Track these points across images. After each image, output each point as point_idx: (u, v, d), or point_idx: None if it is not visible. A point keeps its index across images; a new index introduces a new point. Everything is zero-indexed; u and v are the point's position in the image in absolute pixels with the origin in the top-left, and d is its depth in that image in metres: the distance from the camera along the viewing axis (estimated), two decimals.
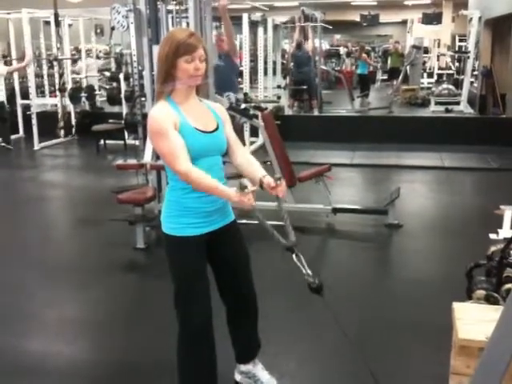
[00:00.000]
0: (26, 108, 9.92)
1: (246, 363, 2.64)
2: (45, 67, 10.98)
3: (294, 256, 2.22)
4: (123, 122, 8.07)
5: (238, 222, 2.53)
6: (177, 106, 2.24)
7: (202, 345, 2.39)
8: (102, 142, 9.32)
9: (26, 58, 9.35)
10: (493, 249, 3.52)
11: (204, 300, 2.35)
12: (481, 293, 3.06)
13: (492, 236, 4.45)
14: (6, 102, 9.29)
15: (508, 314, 1.51)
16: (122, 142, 9.21)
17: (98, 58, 13.52)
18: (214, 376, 2.45)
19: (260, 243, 4.42)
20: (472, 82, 11.94)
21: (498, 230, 4.60)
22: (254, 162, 2.41)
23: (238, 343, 2.63)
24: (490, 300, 2.96)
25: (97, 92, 11.27)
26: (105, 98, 11.33)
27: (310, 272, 2.18)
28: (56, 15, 9.08)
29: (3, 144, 9.27)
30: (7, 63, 10.36)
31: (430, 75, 18.06)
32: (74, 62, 11.61)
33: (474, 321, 2.36)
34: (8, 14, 10.07)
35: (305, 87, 11.43)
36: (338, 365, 3.02)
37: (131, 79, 7.73)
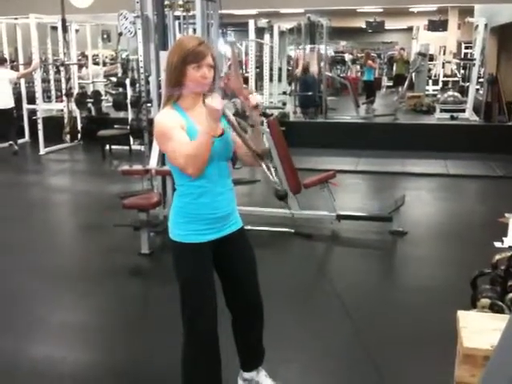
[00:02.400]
0: (32, 113, 9.97)
1: (250, 371, 2.64)
2: (51, 72, 11.02)
3: (263, 165, 2.25)
4: (129, 127, 8.09)
5: (245, 227, 2.53)
6: (184, 112, 2.25)
7: (207, 352, 2.39)
8: (107, 147, 9.34)
9: (33, 63, 9.41)
10: (497, 257, 3.52)
11: (210, 307, 2.35)
12: (485, 301, 3.06)
13: (497, 244, 4.45)
14: (13, 107, 9.34)
15: None
16: (127, 147, 9.23)
17: (104, 63, 13.57)
18: (218, 383, 2.45)
19: (266, 250, 4.44)
20: (477, 90, 11.92)
21: (503, 238, 4.60)
22: None
23: (243, 351, 2.62)
24: (494, 309, 2.95)
25: (103, 97, 11.31)
26: (111, 104, 11.37)
27: (277, 180, 2.25)
28: (64, 21, 9.13)
29: (11, 143, 9.32)
30: (13, 68, 10.41)
31: (436, 82, 18.06)
32: (81, 67, 11.66)
33: (478, 329, 2.36)
34: (16, 19, 10.13)
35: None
36: (342, 373, 3.01)
37: (137, 85, 7.76)
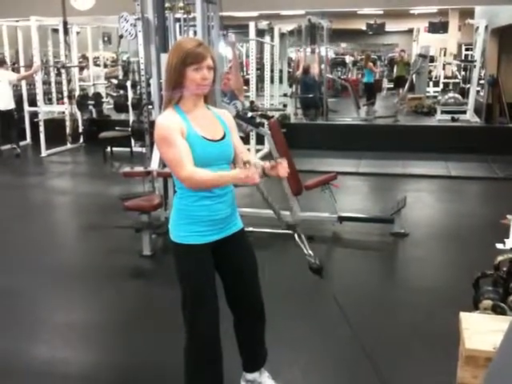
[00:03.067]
0: (34, 115, 9.98)
1: (252, 372, 2.64)
2: (52, 74, 11.04)
3: (295, 235, 2.24)
4: (130, 129, 8.10)
5: (246, 229, 2.53)
6: (184, 115, 2.25)
7: (210, 352, 2.39)
8: (108, 149, 9.35)
9: (34, 66, 9.42)
10: (499, 258, 3.51)
11: (211, 308, 2.35)
12: (488, 303, 3.05)
13: (498, 246, 4.44)
14: (14, 109, 9.34)
15: None
16: (128, 149, 9.25)
17: (105, 65, 13.59)
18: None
19: (267, 251, 4.43)
20: (478, 91, 11.92)
21: (505, 240, 4.59)
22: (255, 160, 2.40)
23: (245, 352, 2.63)
24: (497, 310, 2.95)
25: (104, 99, 11.32)
26: (112, 106, 11.38)
27: (311, 252, 2.21)
28: (65, 23, 9.15)
29: (14, 146, 9.33)
30: (14, 70, 10.42)
31: (436, 84, 18.06)
32: (82, 69, 11.67)
33: (480, 331, 2.36)
34: (17, 21, 10.15)
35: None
36: (344, 374, 3.01)
37: (138, 87, 7.76)
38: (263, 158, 8.39)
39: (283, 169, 2.24)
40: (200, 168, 2.18)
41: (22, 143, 10.07)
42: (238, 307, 2.53)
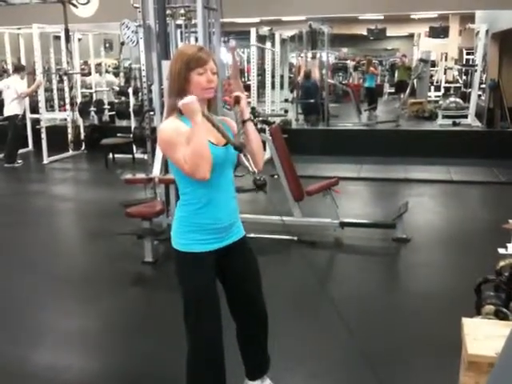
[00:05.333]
0: (36, 122, 10.00)
1: (255, 380, 2.63)
2: (54, 81, 11.07)
3: (242, 156, 2.29)
4: (132, 136, 8.12)
5: (248, 236, 2.53)
6: (189, 122, 2.25)
7: (212, 360, 2.38)
8: (110, 155, 9.37)
9: (36, 81, 9.44)
10: (502, 263, 3.51)
11: (214, 315, 2.35)
12: (490, 308, 3.05)
13: (501, 250, 4.43)
14: (16, 115, 9.26)
15: None
16: (130, 156, 9.26)
17: (107, 72, 13.63)
18: None
19: (270, 258, 4.43)
20: (479, 96, 11.92)
21: (507, 245, 4.58)
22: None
23: (247, 360, 2.62)
24: (499, 315, 2.94)
25: (106, 106, 11.36)
26: (114, 112, 11.41)
27: (255, 170, 2.28)
28: (66, 30, 9.18)
29: (6, 165, 9.15)
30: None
31: (438, 88, 18.07)
32: (84, 76, 11.70)
33: (483, 336, 2.35)
34: (19, 29, 10.19)
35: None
36: (346, 380, 3.01)
37: (140, 93, 7.79)
38: (265, 164, 8.41)
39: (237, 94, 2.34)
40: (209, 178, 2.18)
41: (24, 150, 10.10)
42: (240, 315, 2.53)
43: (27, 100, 10.14)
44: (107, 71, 12.91)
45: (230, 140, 2.24)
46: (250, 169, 2.24)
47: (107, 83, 11.78)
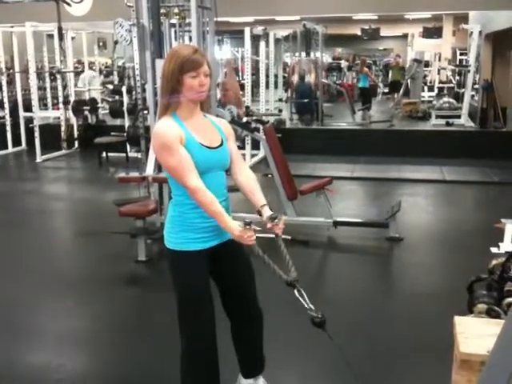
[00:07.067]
0: (29, 121, 9.96)
1: (248, 378, 2.63)
2: (47, 80, 11.04)
3: (295, 291, 2.24)
4: (125, 134, 8.11)
5: None
6: (182, 122, 2.24)
7: (207, 356, 2.39)
8: (104, 154, 9.34)
9: None
10: (494, 262, 3.54)
11: (208, 314, 2.35)
12: (482, 307, 3.07)
13: (493, 250, 4.46)
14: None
15: (509, 327, 1.52)
16: (124, 154, 9.24)
17: (100, 71, 13.60)
18: None
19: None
20: (473, 96, 11.96)
21: (499, 244, 4.61)
22: (255, 188, 2.40)
23: (242, 359, 2.61)
24: (491, 314, 2.96)
25: (99, 105, 11.33)
26: (107, 111, 11.38)
27: (312, 306, 2.18)
28: (60, 29, 9.15)
29: None
30: (9, 76, 10.33)
31: (431, 89, 18.10)
32: (77, 74, 11.65)
33: (475, 335, 2.36)
34: (12, 27, 10.14)
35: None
36: (339, 379, 3.01)
37: (134, 92, 7.78)
38: (258, 163, 8.42)
39: (279, 228, 2.35)
40: (200, 178, 2.19)
41: (17, 149, 10.06)
42: (234, 314, 2.52)
43: (20, 98, 10.10)
44: (91, 68, 12.83)
45: (282, 276, 2.25)
46: (307, 306, 2.22)
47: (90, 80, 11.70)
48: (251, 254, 2.49)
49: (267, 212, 2.35)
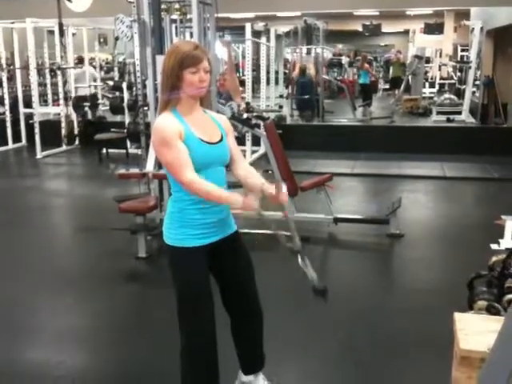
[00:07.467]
0: (29, 117, 9.95)
1: (248, 374, 2.63)
2: (48, 76, 11.01)
3: (299, 260, 2.25)
4: (126, 131, 8.10)
5: (241, 231, 2.53)
6: (182, 118, 2.25)
7: (207, 353, 2.39)
8: (104, 150, 9.33)
9: None
10: (494, 259, 3.53)
11: (207, 311, 2.35)
12: (482, 303, 3.06)
13: (493, 246, 4.45)
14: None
15: (510, 324, 1.52)
16: (124, 151, 9.23)
17: (101, 67, 13.58)
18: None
19: (263, 254, 4.42)
20: (474, 92, 11.95)
21: (500, 240, 4.60)
22: (254, 173, 2.42)
23: (242, 355, 2.60)
24: (491, 311, 2.96)
25: (100, 101, 11.31)
26: (107, 107, 11.37)
27: (314, 276, 2.20)
28: (60, 25, 9.13)
29: None
30: (10, 72, 10.30)
31: (432, 85, 18.07)
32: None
33: (475, 331, 2.36)
34: (12, 23, 10.13)
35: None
36: (339, 376, 3.01)
37: (134, 88, 7.76)
38: (259, 159, 8.41)
39: (284, 196, 2.31)
40: (199, 174, 2.19)
41: (17, 145, 10.06)
42: (234, 310, 2.52)
43: (20, 94, 10.09)
44: (90, 64, 12.80)
45: (289, 245, 2.27)
46: (309, 275, 2.24)
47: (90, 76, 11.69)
48: (251, 249, 2.50)
49: (269, 188, 2.33)
